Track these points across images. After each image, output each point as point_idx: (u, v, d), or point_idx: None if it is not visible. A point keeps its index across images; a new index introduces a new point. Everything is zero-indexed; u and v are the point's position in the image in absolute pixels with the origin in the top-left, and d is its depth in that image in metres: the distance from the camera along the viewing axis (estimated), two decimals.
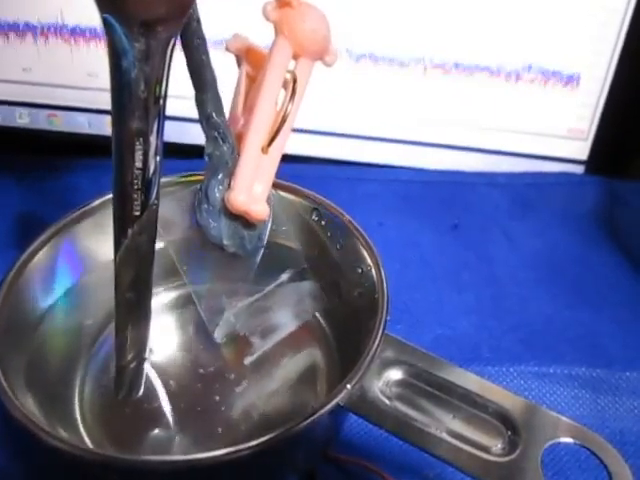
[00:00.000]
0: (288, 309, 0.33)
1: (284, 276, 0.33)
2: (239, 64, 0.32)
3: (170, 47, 0.22)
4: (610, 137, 0.52)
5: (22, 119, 0.55)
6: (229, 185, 0.29)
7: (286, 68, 0.30)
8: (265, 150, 0.29)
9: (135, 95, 0.22)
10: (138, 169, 0.23)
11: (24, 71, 0.53)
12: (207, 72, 0.28)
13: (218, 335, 0.32)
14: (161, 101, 0.23)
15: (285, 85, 0.30)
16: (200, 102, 0.28)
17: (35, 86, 0.54)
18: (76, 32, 0.51)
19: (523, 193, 0.53)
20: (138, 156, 0.23)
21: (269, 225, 0.32)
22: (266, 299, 0.32)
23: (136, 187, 0.24)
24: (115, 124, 0.23)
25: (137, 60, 0.21)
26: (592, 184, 0.53)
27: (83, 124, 0.55)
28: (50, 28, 0.51)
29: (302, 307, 0.33)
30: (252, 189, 0.29)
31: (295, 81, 0.29)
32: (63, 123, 0.55)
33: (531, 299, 0.44)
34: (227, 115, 0.31)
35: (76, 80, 0.53)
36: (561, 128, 0.53)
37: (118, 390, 0.29)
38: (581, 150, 0.54)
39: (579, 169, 0.55)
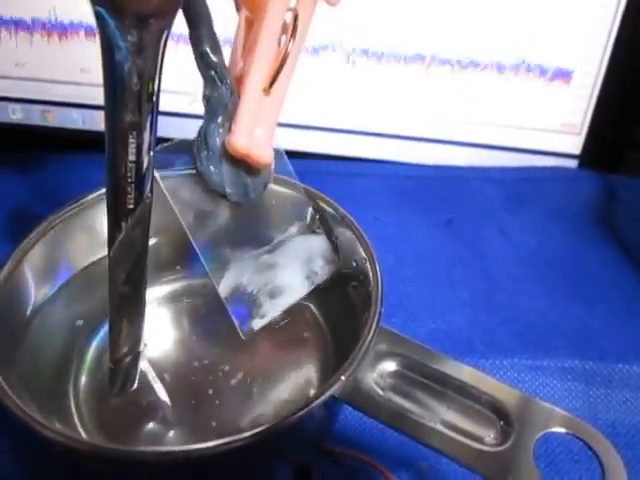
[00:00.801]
0: (297, 267, 0.31)
1: (292, 229, 0.32)
2: (238, 9, 0.31)
3: (163, 39, 0.22)
4: (603, 131, 0.53)
5: (15, 115, 0.55)
6: (229, 129, 0.28)
7: (287, 5, 0.28)
8: (267, 91, 0.28)
9: (128, 88, 0.22)
10: (132, 162, 0.23)
11: (17, 66, 0.53)
12: (201, 7, 0.27)
13: (223, 290, 0.30)
14: (154, 94, 0.23)
15: (285, 27, 0.28)
16: (195, 39, 0.27)
17: (28, 81, 0.53)
18: (69, 27, 0.51)
19: (517, 188, 0.53)
20: (131, 149, 0.23)
21: (272, 172, 0.30)
22: (273, 253, 0.31)
23: (130, 180, 0.24)
24: (108, 117, 0.23)
25: (130, 53, 0.21)
26: (586, 178, 0.54)
27: (77, 120, 0.55)
28: (43, 23, 0.51)
29: (312, 267, 0.32)
30: (254, 132, 0.28)
31: (297, 18, 0.28)
32: (57, 119, 0.55)
33: (524, 293, 0.44)
34: (227, 61, 0.29)
35: (70, 75, 0.53)
36: (554, 122, 0.53)
37: (112, 385, 0.29)
38: (574, 144, 0.54)
39: (573, 163, 0.55)
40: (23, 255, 0.30)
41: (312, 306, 0.35)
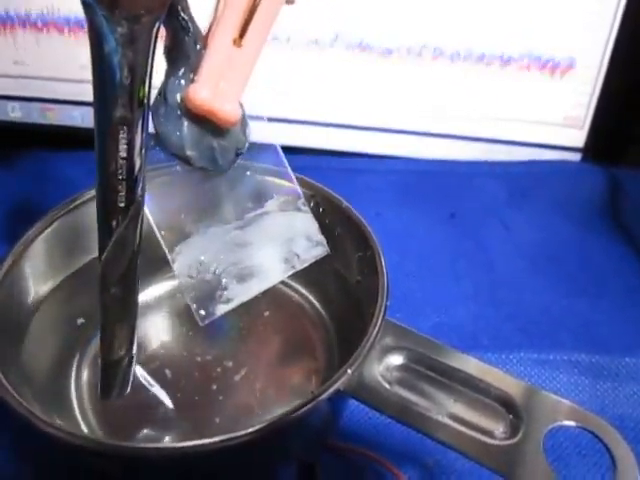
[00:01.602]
0: (274, 247, 0.27)
1: (271, 203, 0.28)
2: None
3: (155, 30, 0.21)
4: (607, 124, 0.52)
5: (15, 113, 0.55)
6: (192, 82, 0.25)
7: None
8: (237, 42, 0.25)
9: (118, 82, 0.21)
10: (122, 159, 0.22)
11: (16, 64, 0.52)
12: None
13: (179, 268, 0.26)
14: (146, 88, 0.22)
15: None
16: None
17: (28, 79, 0.53)
18: (68, 24, 0.51)
19: (520, 182, 0.53)
20: (122, 145, 0.22)
21: (247, 137, 0.27)
22: (245, 230, 0.27)
23: (120, 178, 0.23)
24: (97, 112, 0.22)
25: (120, 45, 0.20)
26: (589, 172, 0.53)
27: (76, 117, 0.55)
28: (42, 20, 0.51)
29: (293, 249, 0.28)
30: (220, 86, 0.25)
31: None
32: (56, 117, 0.55)
33: (529, 287, 0.44)
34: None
35: (69, 73, 0.53)
36: (557, 116, 0.53)
37: (105, 390, 0.28)
38: (578, 138, 0.54)
39: (576, 157, 0.54)
40: (23, 251, 0.30)
41: (315, 300, 0.34)
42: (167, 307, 0.35)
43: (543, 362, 0.37)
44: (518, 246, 0.47)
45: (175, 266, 0.27)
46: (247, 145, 0.27)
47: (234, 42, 0.25)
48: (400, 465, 0.31)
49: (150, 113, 0.25)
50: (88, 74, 0.55)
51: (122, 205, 0.23)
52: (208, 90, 0.25)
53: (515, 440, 0.24)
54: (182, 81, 0.25)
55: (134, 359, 0.28)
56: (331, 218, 0.33)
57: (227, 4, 0.25)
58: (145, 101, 0.22)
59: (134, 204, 0.24)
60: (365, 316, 0.28)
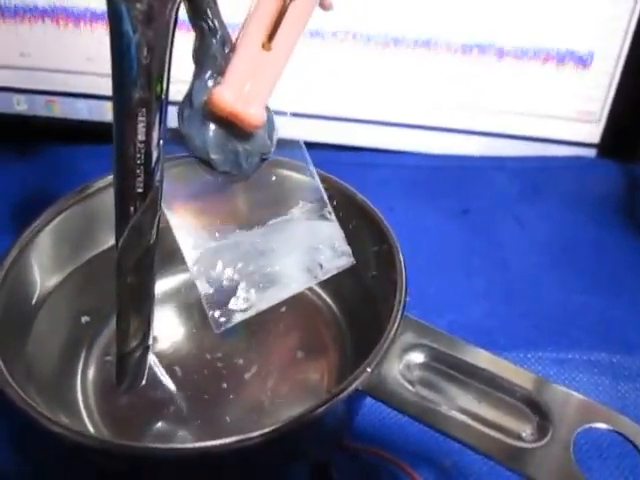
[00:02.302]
0: (297, 255, 0.27)
1: (295, 211, 0.27)
2: None
3: (175, 8, 0.21)
4: (623, 119, 0.51)
5: (20, 105, 0.54)
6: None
7: None
8: (266, 46, 0.24)
9: (137, 61, 0.20)
10: (141, 142, 0.22)
11: (22, 56, 0.52)
12: None
13: (196, 274, 0.26)
14: (165, 70, 0.21)
15: None
16: None
17: (33, 71, 0.52)
18: (74, 15, 0.50)
19: (533, 177, 0.52)
20: (140, 128, 0.22)
21: (273, 142, 0.26)
22: (268, 237, 0.27)
23: (139, 162, 0.22)
24: (116, 93, 0.21)
25: (139, 23, 0.20)
26: (604, 168, 0.52)
27: (82, 110, 0.54)
28: (47, 12, 0.50)
29: (316, 258, 0.27)
30: (246, 90, 0.24)
31: None
32: (62, 109, 0.54)
33: (543, 284, 0.43)
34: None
35: (75, 65, 0.52)
36: (572, 110, 0.52)
37: (120, 381, 0.27)
38: (593, 133, 0.53)
39: (591, 152, 0.53)
40: (28, 244, 0.29)
41: (327, 296, 0.33)
42: (177, 303, 0.34)
43: (562, 361, 0.36)
44: (532, 242, 0.46)
45: (194, 270, 0.26)
46: (273, 150, 0.27)
47: (263, 46, 0.25)
48: (416, 466, 0.31)
49: (178, 115, 0.25)
50: (94, 66, 0.55)
51: (140, 191, 0.23)
52: (232, 93, 0.24)
53: (543, 442, 0.23)
54: (209, 84, 0.25)
55: (149, 349, 0.27)
56: (345, 211, 0.32)
57: (256, 7, 0.25)
58: (165, 83, 0.22)
59: (152, 190, 0.23)
60: (380, 312, 0.27)
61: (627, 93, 0.50)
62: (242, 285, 0.26)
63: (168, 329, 0.32)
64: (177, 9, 0.21)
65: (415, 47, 0.50)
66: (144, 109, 0.21)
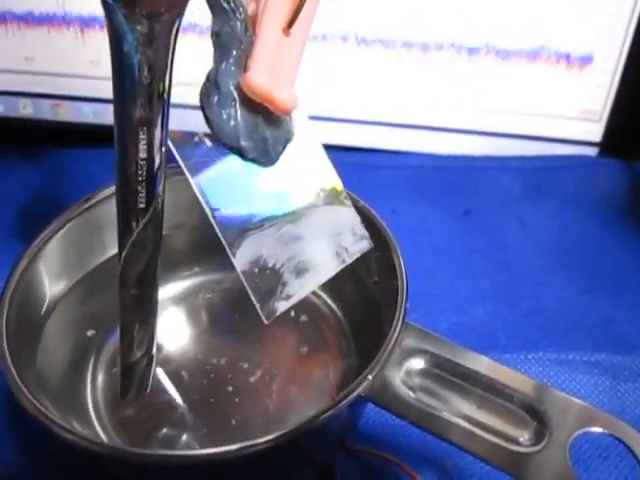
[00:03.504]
0: (325, 241, 0.27)
1: (317, 198, 0.27)
2: None
3: (175, 29, 0.21)
4: (625, 117, 0.51)
5: (26, 109, 0.54)
6: (245, 68, 0.24)
7: None
8: (286, 32, 0.24)
9: (138, 81, 0.21)
10: (142, 160, 0.22)
11: (27, 60, 0.52)
12: None
13: (240, 263, 0.26)
14: (166, 87, 0.22)
15: None
16: None
17: (38, 75, 0.53)
18: (79, 20, 0.50)
19: (536, 177, 0.52)
20: (142, 146, 0.22)
21: (293, 129, 0.26)
22: (297, 224, 0.27)
23: (140, 179, 0.23)
24: (117, 113, 0.22)
25: (139, 44, 0.20)
26: (607, 167, 0.52)
27: (88, 113, 0.55)
28: (52, 16, 0.50)
29: (341, 243, 0.28)
30: (273, 74, 0.24)
31: None
32: (67, 113, 0.55)
33: (546, 285, 0.43)
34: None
35: (80, 69, 0.52)
36: (574, 109, 0.52)
37: (124, 392, 0.28)
38: (595, 132, 0.53)
39: (593, 151, 0.53)
40: (37, 252, 0.30)
41: (331, 301, 0.34)
42: (182, 308, 0.34)
43: (562, 362, 0.37)
44: (535, 242, 0.46)
45: (236, 262, 0.26)
46: (294, 137, 0.27)
47: (283, 31, 0.25)
48: (418, 468, 0.31)
49: (200, 101, 0.25)
50: (99, 70, 0.55)
51: (142, 206, 0.23)
52: (265, 76, 0.24)
53: (540, 447, 0.23)
54: (234, 67, 0.24)
55: (154, 360, 0.28)
56: None
57: None
58: (166, 101, 0.22)
59: (153, 204, 0.23)
60: (383, 317, 0.28)
61: (628, 91, 0.50)
62: (283, 273, 0.27)
63: (174, 334, 0.33)
64: (177, 30, 0.21)
65: (417, 48, 0.50)
66: (145, 127, 0.22)
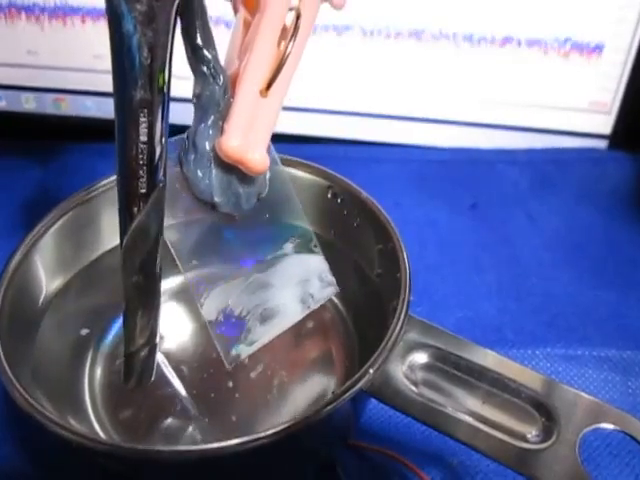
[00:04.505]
0: (292, 288, 0.29)
1: (288, 246, 0.29)
2: (235, 11, 0.29)
3: (174, 9, 0.20)
4: (635, 110, 0.50)
5: (28, 104, 0.54)
6: (221, 131, 0.26)
7: (289, 3, 0.26)
8: (264, 93, 0.25)
9: (138, 62, 0.20)
10: (143, 143, 0.22)
11: (29, 54, 0.52)
12: None
13: (207, 312, 0.27)
14: (166, 68, 0.21)
15: (286, 27, 0.26)
16: (187, 31, 0.25)
17: (41, 69, 0.52)
18: (81, 13, 0.50)
19: (543, 170, 0.51)
20: (142, 129, 0.22)
21: (267, 181, 0.28)
22: (266, 272, 0.28)
23: (141, 162, 0.22)
24: (117, 94, 0.21)
25: (139, 23, 0.20)
26: (616, 160, 0.52)
27: (91, 108, 0.54)
28: (54, 9, 0.50)
29: (308, 289, 0.29)
30: (248, 135, 0.25)
31: (299, 17, 0.26)
32: (70, 107, 0.54)
33: (554, 280, 0.42)
34: (222, 61, 0.26)
35: (82, 62, 0.52)
36: (583, 101, 0.51)
37: (128, 379, 0.28)
38: (604, 124, 0.52)
39: (602, 144, 0.52)
40: (35, 244, 0.29)
41: (333, 296, 0.33)
42: (183, 302, 0.34)
43: (571, 358, 0.36)
44: (543, 237, 0.46)
45: (204, 312, 0.28)
46: (267, 189, 0.28)
47: (261, 93, 0.26)
48: (422, 465, 0.30)
49: (178, 157, 0.26)
50: (102, 63, 0.55)
51: (143, 191, 0.23)
52: (239, 140, 0.25)
53: (548, 444, 0.22)
54: (211, 129, 0.26)
55: (157, 348, 0.28)
56: (350, 209, 0.32)
57: (252, 55, 0.26)
58: (166, 84, 0.22)
59: (155, 190, 0.23)
60: (386, 311, 0.27)
61: (639, 83, 0.49)
62: (248, 320, 0.28)
63: (175, 328, 0.32)
64: (177, 9, 0.21)
65: (422, 39, 0.49)
66: (146, 110, 0.21)
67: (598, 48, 0.49)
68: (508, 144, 0.53)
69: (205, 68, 0.25)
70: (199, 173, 0.26)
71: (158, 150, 0.23)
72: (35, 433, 0.29)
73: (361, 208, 0.31)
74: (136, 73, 0.21)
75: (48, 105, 0.54)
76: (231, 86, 0.26)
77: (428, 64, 0.50)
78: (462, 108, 0.52)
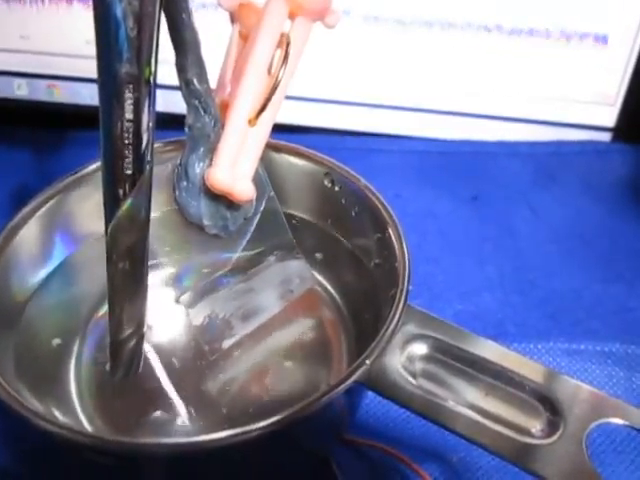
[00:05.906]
0: (272, 289, 0.31)
1: (271, 258, 0.31)
2: (232, 21, 0.29)
3: None
4: (639, 102, 0.49)
5: (21, 90, 0.53)
6: (211, 161, 0.27)
7: (280, 29, 0.26)
8: (252, 122, 0.26)
9: (123, 33, 0.19)
10: (128, 121, 0.21)
11: (22, 39, 0.51)
12: (187, 33, 0.25)
13: (195, 319, 0.30)
14: (154, 40, 0.20)
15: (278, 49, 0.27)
16: (180, 66, 0.26)
17: (34, 55, 0.51)
18: None
19: (546, 163, 0.50)
20: (128, 105, 0.20)
21: (257, 204, 0.30)
22: (249, 281, 0.30)
23: (127, 142, 0.21)
24: (100, 69, 0.20)
25: None
26: (620, 152, 0.51)
27: (84, 95, 0.53)
28: None
29: (288, 287, 0.31)
30: (236, 166, 0.27)
31: (288, 44, 0.26)
32: (63, 94, 0.53)
33: (557, 273, 0.41)
34: (215, 81, 0.28)
35: (75, 48, 0.51)
36: (587, 93, 0.50)
37: (114, 370, 0.27)
38: (608, 116, 0.51)
39: (606, 137, 0.52)
40: (16, 232, 0.28)
41: (329, 284, 0.32)
42: (171, 293, 0.33)
43: (573, 352, 0.35)
44: (546, 229, 0.45)
45: (191, 319, 0.30)
46: (254, 211, 0.30)
47: (249, 122, 0.27)
48: (421, 462, 0.30)
49: (173, 183, 0.28)
50: (95, 49, 0.53)
51: (129, 172, 0.22)
52: (226, 173, 0.27)
53: (554, 439, 0.21)
54: (202, 160, 0.28)
55: (144, 338, 0.27)
56: (347, 197, 0.31)
57: (242, 85, 0.26)
58: (153, 57, 0.20)
59: (142, 172, 0.22)
60: (383, 302, 0.26)
61: None
62: (231, 321, 0.30)
63: (166, 320, 0.31)
64: None
65: (424, 29, 0.48)
66: (131, 85, 0.20)
67: (603, 39, 0.48)
68: (511, 136, 0.52)
69: (197, 102, 0.27)
70: (190, 200, 0.28)
71: (144, 128, 0.21)
72: (20, 428, 0.28)
73: (359, 196, 0.30)
74: (121, 45, 0.19)
75: (41, 92, 0.53)
76: (221, 114, 0.27)
77: (431, 54, 0.49)
78: (464, 99, 0.51)
